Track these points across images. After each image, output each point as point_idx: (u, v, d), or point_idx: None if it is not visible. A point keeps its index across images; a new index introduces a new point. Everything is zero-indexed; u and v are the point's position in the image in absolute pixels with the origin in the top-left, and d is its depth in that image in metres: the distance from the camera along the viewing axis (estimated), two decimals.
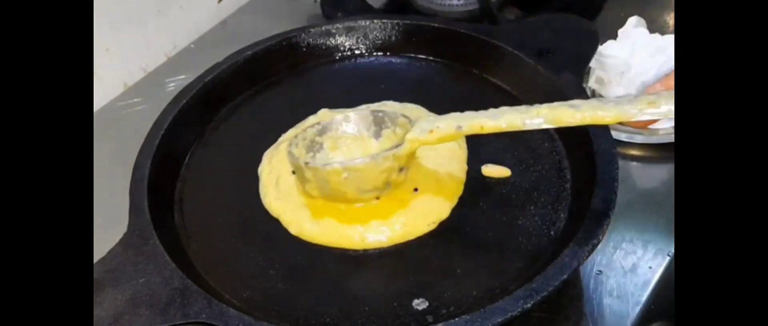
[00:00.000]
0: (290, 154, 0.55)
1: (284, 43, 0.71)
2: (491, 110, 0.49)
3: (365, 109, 0.57)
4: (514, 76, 0.66)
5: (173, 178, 0.61)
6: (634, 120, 0.45)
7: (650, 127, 0.65)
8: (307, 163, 0.53)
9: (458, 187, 0.56)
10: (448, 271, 0.52)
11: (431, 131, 0.51)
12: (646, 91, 0.45)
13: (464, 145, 0.60)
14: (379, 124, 0.56)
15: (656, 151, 0.65)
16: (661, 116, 0.44)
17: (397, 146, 0.52)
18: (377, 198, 0.54)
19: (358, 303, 0.50)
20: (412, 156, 0.53)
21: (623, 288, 0.54)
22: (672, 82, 0.45)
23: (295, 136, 0.56)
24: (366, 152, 0.56)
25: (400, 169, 0.53)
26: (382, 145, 0.56)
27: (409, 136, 0.51)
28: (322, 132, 0.57)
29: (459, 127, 0.49)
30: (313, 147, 0.57)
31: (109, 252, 0.50)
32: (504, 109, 0.49)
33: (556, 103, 0.47)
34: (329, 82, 0.69)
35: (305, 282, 0.52)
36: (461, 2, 0.81)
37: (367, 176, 0.52)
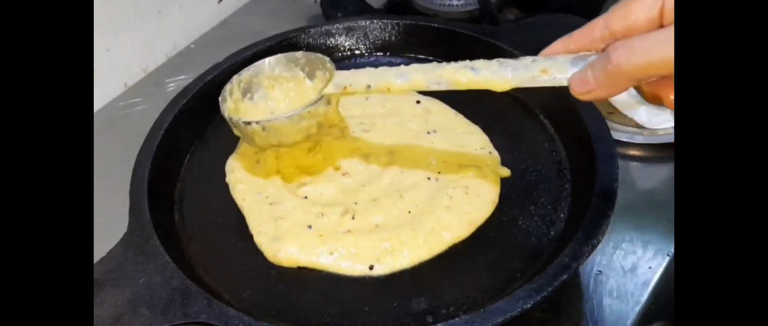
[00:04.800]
0: (222, 107, 0.56)
1: (284, 43, 0.71)
2: (402, 68, 0.50)
3: (298, 53, 0.58)
4: None
5: (173, 178, 0.61)
6: (531, 86, 0.45)
7: (650, 127, 0.65)
8: (231, 119, 0.54)
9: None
10: (448, 271, 0.52)
11: (345, 87, 0.52)
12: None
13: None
14: (312, 65, 0.56)
15: (656, 151, 0.65)
16: (556, 84, 0.43)
17: (313, 103, 0.53)
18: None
19: (358, 303, 0.50)
20: (329, 112, 0.54)
21: (623, 288, 0.54)
22: (571, 44, 0.45)
23: (230, 80, 0.57)
24: (300, 92, 0.57)
25: (319, 126, 0.54)
26: (316, 87, 0.56)
27: (325, 91, 0.53)
28: (256, 73, 0.57)
29: (368, 86, 0.50)
30: (251, 88, 0.57)
31: (109, 252, 0.50)
32: (414, 67, 0.50)
33: (460, 64, 0.47)
34: None
35: (305, 282, 0.52)
36: (461, 2, 0.81)
37: (287, 132, 0.53)
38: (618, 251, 0.57)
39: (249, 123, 0.53)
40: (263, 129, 0.53)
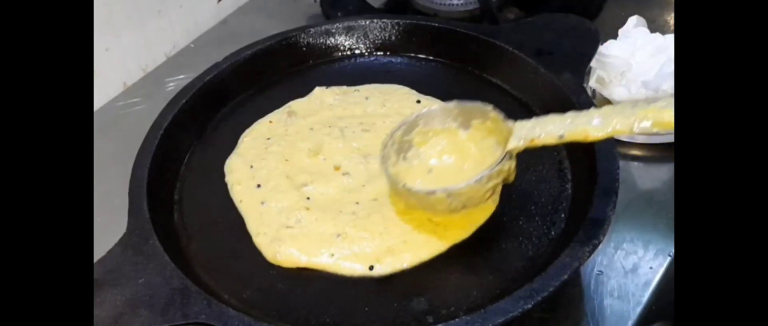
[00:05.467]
0: (387, 174, 0.53)
1: (284, 43, 0.71)
2: (593, 111, 0.47)
3: (451, 103, 0.55)
4: (514, 76, 0.66)
5: (173, 178, 0.61)
6: None
7: None
8: (408, 188, 0.52)
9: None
10: (448, 271, 0.52)
11: (532, 140, 0.49)
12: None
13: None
14: (466, 115, 0.54)
15: (656, 151, 0.65)
16: None
17: (499, 162, 0.50)
18: None
19: (358, 303, 0.50)
20: (513, 166, 0.52)
21: (624, 289, 0.54)
22: None
23: (384, 145, 0.54)
24: (455, 144, 0.55)
25: (505, 180, 0.52)
26: (472, 137, 0.54)
27: (510, 146, 0.50)
28: (408, 131, 0.55)
29: (561, 136, 0.48)
30: (403, 148, 0.55)
31: (109, 252, 0.50)
32: (607, 111, 0.46)
33: (662, 102, 0.44)
34: (329, 82, 0.69)
35: (305, 282, 0.52)
36: (461, 2, 0.81)
37: (472, 195, 0.51)
38: (619, 251, 0.57)
39: (433, 192, 0.50)
40: (448, 196, 0.50)
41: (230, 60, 0.68)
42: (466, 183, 0.50)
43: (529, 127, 0.50)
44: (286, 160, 0.60)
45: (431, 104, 0.65)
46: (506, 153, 0.50)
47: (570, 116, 0.48)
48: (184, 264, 0.51)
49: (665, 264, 0.55)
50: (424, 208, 0.53)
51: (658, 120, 0.44)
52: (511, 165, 0.51)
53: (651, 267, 0.55)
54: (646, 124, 0.44)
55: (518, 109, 0.65)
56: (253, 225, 0.56)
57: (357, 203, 0.56)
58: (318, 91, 0.68)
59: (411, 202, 0.53)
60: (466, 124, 0.55)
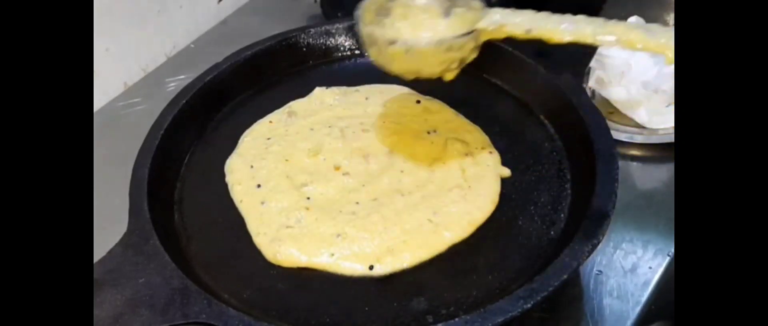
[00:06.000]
0: (359, 29, 0.53)
1: (284, 43, 0.71)
2: (567, 16, 0.48)
3: None
4: (514, 76, 0.66)
5: (173, 178, 0.61)
6: None
7: (650, 126, 0.65)
8: (372, 34, 0.52)
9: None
10: (448, 271, 0.52)
11: (502, 25, 0.49)
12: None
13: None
14: (451, 1, 0.54)
15: (656, 151, 0.65)
16: None
17: (466, 34, 0.50)
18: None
19: (358, 303, 0.50)
20: (476, 49, 0.52)
21: (623, 288, 0.54)
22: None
23: (364, 7, 0.54)
24: (433, 28, 0.54)
25: (460, 62, 0.52)
26: (451, 25, 0.53)
27: (480, 25, 0.50)
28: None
29: (529, 31, 0.49)
30: (382, 12, 0.54)
31: (109, 252, 0.50)
32: (580, 18, 0.48)
33: (632, 24, 0.45)
34: (329, 82, 0.69)
35: (305, 282, 0.52)
36: None
37: (429, 60, 0.51)
38: (618, 251, 0.57)
39: (394, 42, 0.50)
40: (406, 52, 0.50)
41: (230, 60, 0.68)
42: (427, 42, 0.50)
43: (502, 14, 0.50)
44: (286, 160, 0.61)
45: (431, 105, 0.66)
46: (474, 30, 0.50)
47: (543, 15, 0.49)
48: (184, 264, 0.51)
49: (664, 264, 0.56)
50: (380, 62, 0.53)
51: (624, 38, 0.45)
52: (474, 47, 0.51)
53: (650, 267, 0.55)
54: (611, 39, 0.46)
55: (518, 109, 0.65)
56: (253, 225, 0.56)
57: (357, 203, 0.56)
58: (318, 91, 0.68)
59: (370, 53, 0.53)
60: (447, 12, 0.54)
